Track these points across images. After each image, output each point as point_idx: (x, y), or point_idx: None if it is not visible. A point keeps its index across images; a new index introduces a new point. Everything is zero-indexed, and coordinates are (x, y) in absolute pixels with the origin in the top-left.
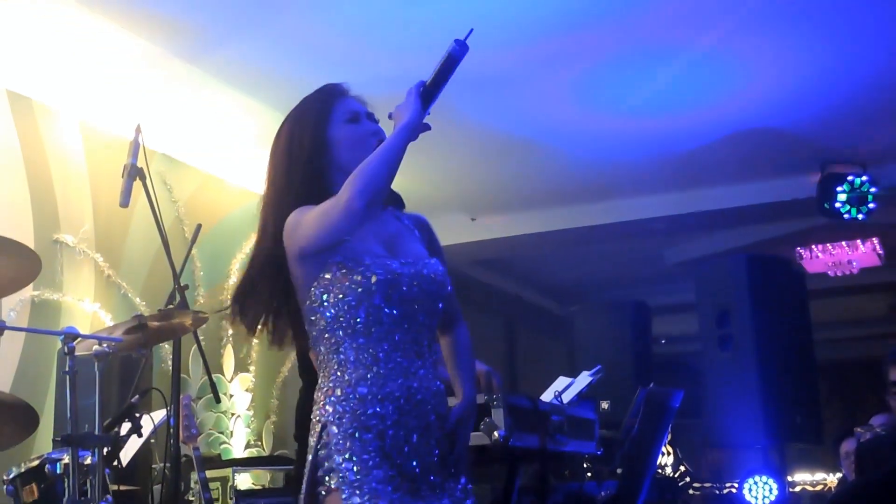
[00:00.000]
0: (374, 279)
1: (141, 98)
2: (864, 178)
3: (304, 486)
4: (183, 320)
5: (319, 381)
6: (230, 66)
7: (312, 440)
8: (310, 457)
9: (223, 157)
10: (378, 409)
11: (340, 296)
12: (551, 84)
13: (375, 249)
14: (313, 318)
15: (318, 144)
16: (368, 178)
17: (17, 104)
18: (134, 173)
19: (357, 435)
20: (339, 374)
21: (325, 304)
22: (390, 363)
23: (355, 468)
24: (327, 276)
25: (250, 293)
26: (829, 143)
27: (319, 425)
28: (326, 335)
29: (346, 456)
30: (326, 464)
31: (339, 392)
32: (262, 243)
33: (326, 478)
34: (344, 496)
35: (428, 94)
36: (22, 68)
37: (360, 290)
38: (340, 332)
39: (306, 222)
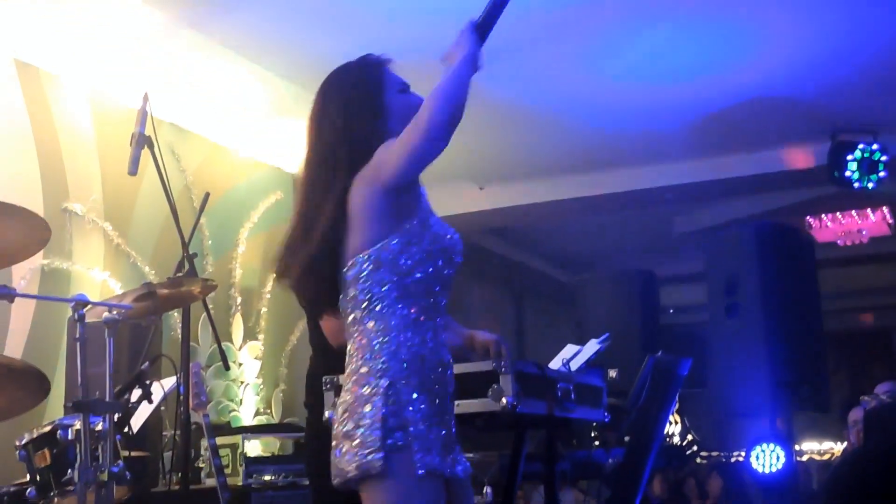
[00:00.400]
0: (440, 244)
1: (149, 66)
2: (875, 146)
3: (369, 434)
4: (192, 288)
5: (370, 336)
6: (238, 33)
7: (375, 393)
8: (369, 409)
9: (231, 126)
10: (438, 373)
11: (417, 255)
12: (560, 53)
13: (433, 217)
14: (368, 272)
15: (379, 109)
16: (445, 97)
17: (25, 73)
18: (142, 142)
19: (425, 396)
20: (402, 331)
21: (398, 258)
22: (440, 330)
23: (424, 427)
24: (404, 232)
25: (310, 272)
26: (839, 111)
27: (385, 381)
28: (376, 293)
29: (419, 416)
30: (393, 420)
31: (404, 352)
32: (321, 211)
33: (397, 433)
34: (417, 456)
35: (482, 28)
36: (30, 37)
37: (429, 252)
38: (402, 291)
39: (390, 155)
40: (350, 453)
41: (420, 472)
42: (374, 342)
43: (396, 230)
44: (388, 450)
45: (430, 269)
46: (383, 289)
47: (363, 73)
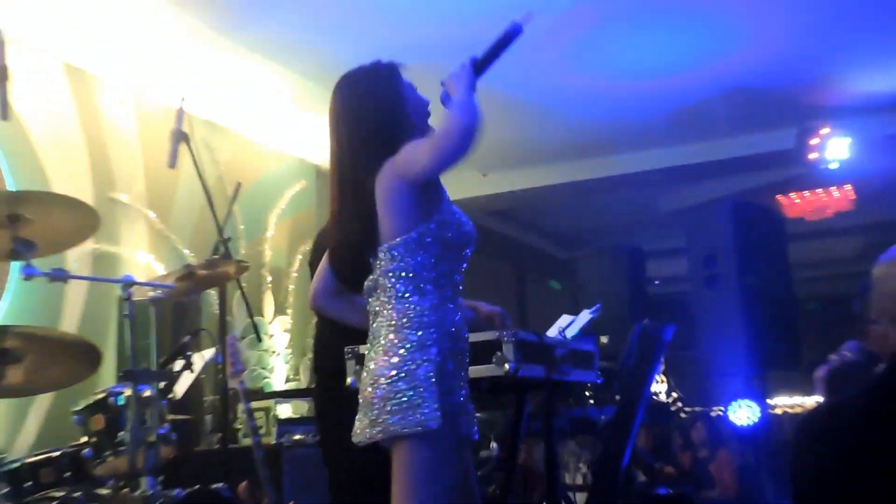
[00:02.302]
0: (459, 233)
1: (185, 69)
2: (838, 131)
3: (377, 390)
4: (227, 269)
5: (394, 313)
6: (265, 39)
7: (424, 361)
8: (422, 375)
9: (259, 122)
10: (460, 347)
11: (439, 245)
12: (554, 51)
13: (455, 210)
14: (396, 259)
15: (401, 99)
16: (470, 113)
17: (74, 76)
18: (180, 138)
19: (456, 366)
20: (433, 312)
21: (422, 248)
22: (459, 309)
23: (456, 394)
24: (430, 225)
25: (351, 262)
26: (805, 100)
27: (434, 349)
28: (411, 274)
29: (455, 383)
30: (442, 386)
31: (434, 330)
32: (349, 200)
33: (445, 398)
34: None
35: (481, 66)
36: (78, 44)
37: (450, 239)
38: (428, 276)
39: (420, 154)
40: (401, 413)
41: (451, 437)
42: (409, 320)
43: (422, 221)
44: (441, 411)
45: (452, 257)
46: (410, 275)
47: (380, 72)
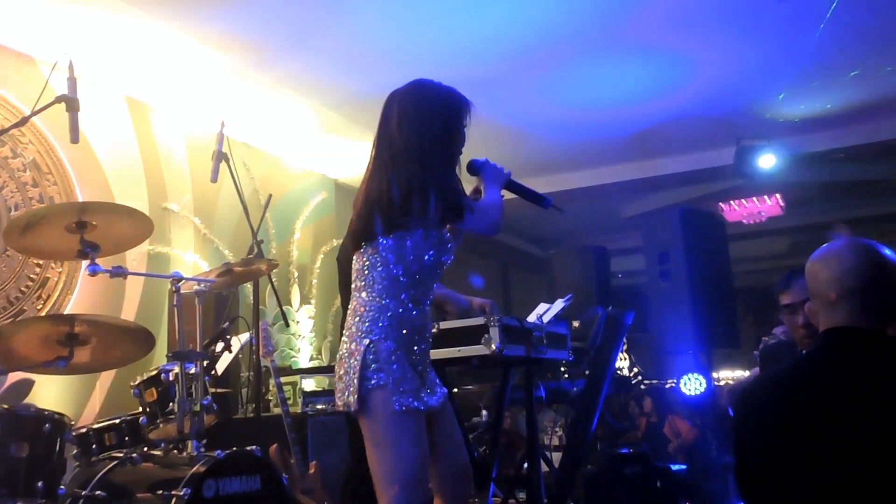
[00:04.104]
0: (435, 257)
1: (226, 100)
2: (769, 148)
3: (353, 378)
4: (260, 266)
5: (364, 312)
6: (294, 75)
7: (357, 350)
8: (353, 361)
9: (288, 144)
10: (416, 330)
11: (415, 260)
12: (532, 84)
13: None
14: (376, 260)
15: (454, 139)
16: (498, 210)
17: (133, 106)
18: (220, 157)
19: (402, 351)
20: (386, 300)
21: (402, 256)
22: (421, 300)
23: (399, 374)
24: (414, 240)
25: (346, 249)
26: (742, 123)
27: (366, 339)
28: (385, 279)
29: (394, 366)
30: (371, 369)
31: (384, 318)
32: (408, 198)
33: (373, 379)
34: (394, 397)
35: (510, 185)
36: (137, 79)
37: (423, 259)
38: (393, 278)
39: (477, 209)
40: (339, 392)
41: (396, 408)
42: (364, 308)
43: (412, 237)
44: (366, 392)
45: (418, 267)
46: (380, 273)
47: (451, 100)
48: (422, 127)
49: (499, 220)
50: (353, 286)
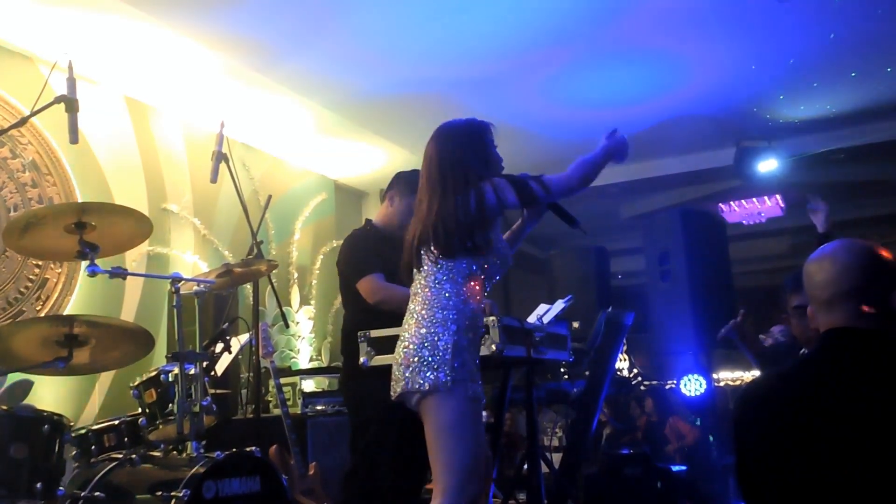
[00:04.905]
0: (499, 261)
1: (225, 100)
2: (769, 150)
3: (434, 362)
4: (260, 267)
5: (446, 300)
6: (292, 76)
7: (445, 333)
8: (442, 344)
9: (287, 145)
10: (478, 326)
11: (480, 266)
12: (531, 84)
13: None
14: (454, 261)
15: (487, 159)
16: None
17: (133, 107)
18: (220, 158)
19: (475, 340)
20: (460, 303)
21: (468, 265)
22: (481, 299)
23: (472, 363)
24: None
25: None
26: (742, 125)
27: (454, 326)
28: (457, 277)
29: (469, 354)
30: (458, 354)
31: (461, 311)
32: (445, 222)
33: (457, 363)
34: (469, 383)
35: (556, 207)
36: (136, 79)
37: (489, 263)
38: (465, 279)
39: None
40: (423, 372)
41: (469, 393)
42: (444, 301)
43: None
44: (446, 377)
45: (485, 272)
46: (463, 269)
47: (476, 129)
48: (459, 156)
49: (582, 177)
50: (425, 278)
